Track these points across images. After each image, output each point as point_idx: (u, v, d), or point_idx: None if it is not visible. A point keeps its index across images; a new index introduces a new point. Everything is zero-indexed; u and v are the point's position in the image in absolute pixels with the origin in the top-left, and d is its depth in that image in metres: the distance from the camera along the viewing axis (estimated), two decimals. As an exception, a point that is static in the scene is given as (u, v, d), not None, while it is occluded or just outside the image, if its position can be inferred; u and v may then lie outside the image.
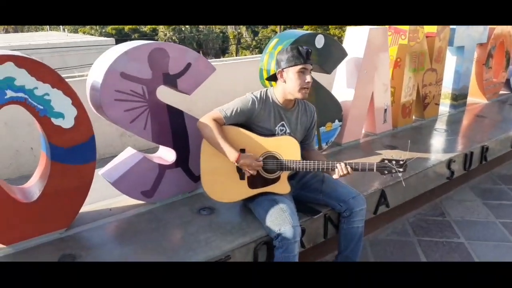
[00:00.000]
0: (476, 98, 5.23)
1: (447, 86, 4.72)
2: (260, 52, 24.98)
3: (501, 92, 5.60)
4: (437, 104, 4.53)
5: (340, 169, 2.21)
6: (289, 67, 2.21)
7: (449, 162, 3.38)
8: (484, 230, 3.10)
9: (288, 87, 2.25)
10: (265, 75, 3.06)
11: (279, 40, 3.06)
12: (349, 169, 2.21)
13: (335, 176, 2.24)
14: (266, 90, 2.36)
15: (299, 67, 2.20)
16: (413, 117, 4.32)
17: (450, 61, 4.63)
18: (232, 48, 29.19)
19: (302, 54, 2.20)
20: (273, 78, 2.35)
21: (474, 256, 2.78)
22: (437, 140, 3.89)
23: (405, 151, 3.43)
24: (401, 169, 2.22)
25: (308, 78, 2.22)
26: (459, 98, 4.79)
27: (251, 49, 27.67)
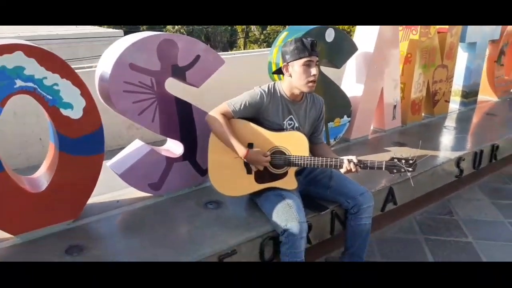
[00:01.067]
0: (486, 96, 5.16)
1: (458, 83, 4.66)
2: (269, 46, 24.83)
3: (512, 90, 5.53)
4: (447, 101, 4.48)
5: (347, 165, 2.19)
6: (294, 60, 2.18)
7: (458, 161, 3.33)
8: (493, 230, 3.06)
9: (294, 81, 2.22)
10: (274, 69, 3.03)
11: (289, 33, 3.03)
12: (358, 168, 2.18)
13: (342, 171, 2.22)
14: (274, 83, 2.34)
15: (304, 60, 2.16)
16: (423, 114, 4.27)
17: (461, 58, 4.56)
18: (240, 41, 29.07)
19: (306, 46, 2.16)
20: (280, 71, 2.32)
21: (482, 256, 2.75)
22: (447, 138, 3.84)
23: (415, 148, 3.38)
24: (410, 169, 2.18)
25: (314, 71, 2.19)
26: (469, 95, 4.73)
27: (259, 43, 27.51)
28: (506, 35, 4.90)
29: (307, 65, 2.17)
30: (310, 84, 2.20)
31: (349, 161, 2.18)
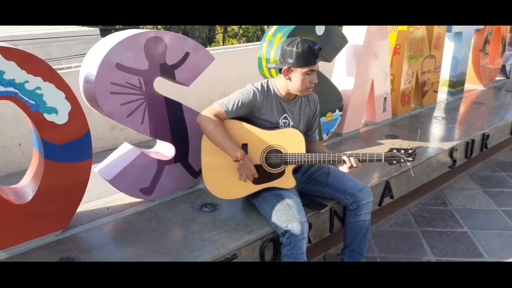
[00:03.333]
0: (472, 85, 5.19)
1: (445, 73, 4.66)
2: (248, 40, 24.68)
3: (496, 78, 5.57)
4: (436, 92, 4.48)
5: (348, 162, 2.13)
6: (297, 67, 2.08)
7: (452, 151, 3.33)
8: (487, 218, 3.07)
9: (292, 85, 2.14)
10: (264, 64, 2.95)
11: (278, 27, 2.95)
12: (358, 162, 2.13)
13: (344, 169, 2.16)
14: (268, 81, 2.25)
15: (308, 68, 2.08)
16: (412, 105, 4.26)
17: (448, 48, 4.57)
18: (219, 37, 28.80)
19: (315, 54, 2.06)
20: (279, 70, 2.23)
21: (478, 245, 2.75)
22: (438, 129, 3.84)
23: (406, 140, 3.37)
24: (410, 159, 2.15)
25: (314, 79, 2.13)
26: (456, 85, 4.74)
27: (238, 37, 27.32)
28: (490, 23, 4.93)
29: (309, 73, 2.10)
30: (308, 90, 2.16)
31: (349, 156, 2.13)
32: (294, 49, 2.06)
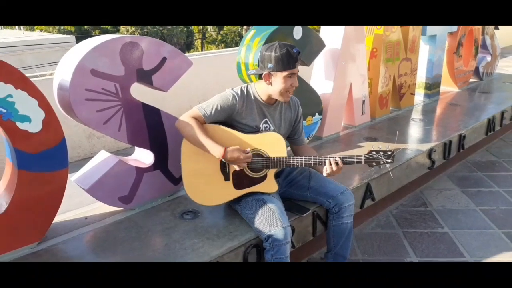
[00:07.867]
0: (448, 87, 5.30)
1: (421, 75, 4.74)
2: (226, 46, 24.70)
3: (470, 80, 5.71)
4: (413, 94, 4.55)
5: (328, 166, 2.12)
6: (277, 71, 2.08)
7: (430, 152, 3.38)
8: (466, 218, 3.11)
9: (273, 89, 2.14)
10: (243, 69, 2.93)
11: (256, 32, 2.94)
12: (339, 164, 2.13)
13: (324, 174, 2.16)
14: (247, 85, 2.24)
15: (288, 72, 2.08)
16: (390, 108, 4.31)
17: (423, 51, 4.66)
18: (197, 43, 28.75)
19: (293, 58, 2.06)
20: (259, 76, 2.21)
21: (459, 245, 2.78)
22: (416, 130, 3.89)
23: (386, 142, 3.40)
24: (389, 160, 2.17)
25: (295, 82, 2.13)
26: (432, 87, 4.82)
27: (216, 43, 27.32)
28: (463, 26, 5.05)
29: (290, 76, 2.09)
30: (288, 94, 2.15)
31: (329, 160, 2.13)
32: (273, 53, 2.06)
